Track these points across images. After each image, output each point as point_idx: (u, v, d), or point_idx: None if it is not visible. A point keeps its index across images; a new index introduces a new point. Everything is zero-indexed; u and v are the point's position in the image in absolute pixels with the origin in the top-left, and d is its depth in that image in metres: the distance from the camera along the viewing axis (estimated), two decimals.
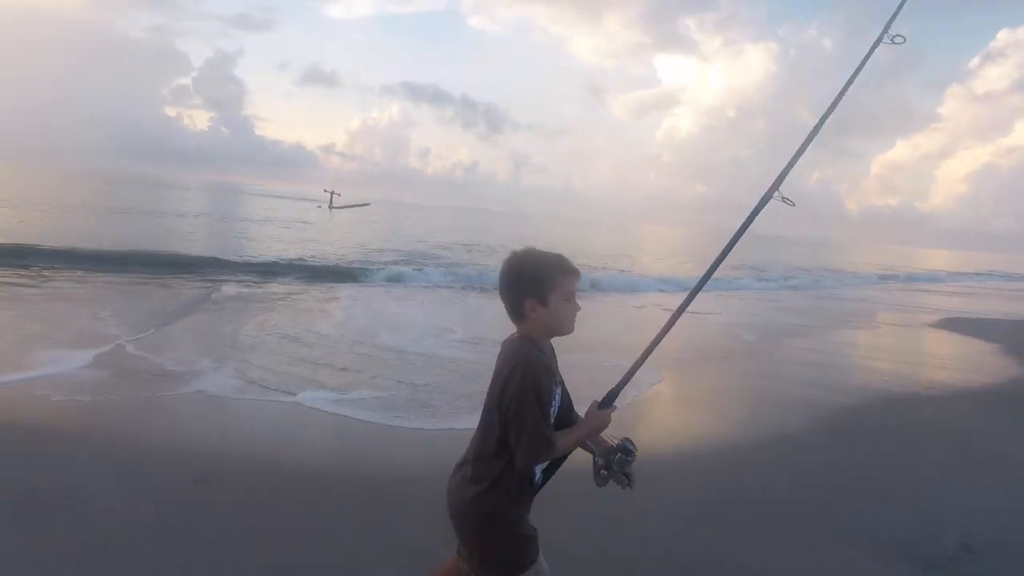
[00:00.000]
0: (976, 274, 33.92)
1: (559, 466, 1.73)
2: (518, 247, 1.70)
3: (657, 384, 5.85)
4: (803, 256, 45.29)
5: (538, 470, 1.71)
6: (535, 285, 1.63)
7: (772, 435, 4.78)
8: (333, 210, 46.29)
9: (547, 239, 40.36)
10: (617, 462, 1.66)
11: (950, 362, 8.92)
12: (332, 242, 20.99)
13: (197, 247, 15.67)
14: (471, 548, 1.71)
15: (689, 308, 1.77)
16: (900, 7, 1.90)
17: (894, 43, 1.85)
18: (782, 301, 15.75)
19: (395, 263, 15.70)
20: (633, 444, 1.69)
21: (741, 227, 1.85)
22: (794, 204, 1.74)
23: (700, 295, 1.82)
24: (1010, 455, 4.73)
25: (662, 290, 15.44)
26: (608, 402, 1.72)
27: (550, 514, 1.90)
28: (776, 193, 1.77)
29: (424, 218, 56.61)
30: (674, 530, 3.14)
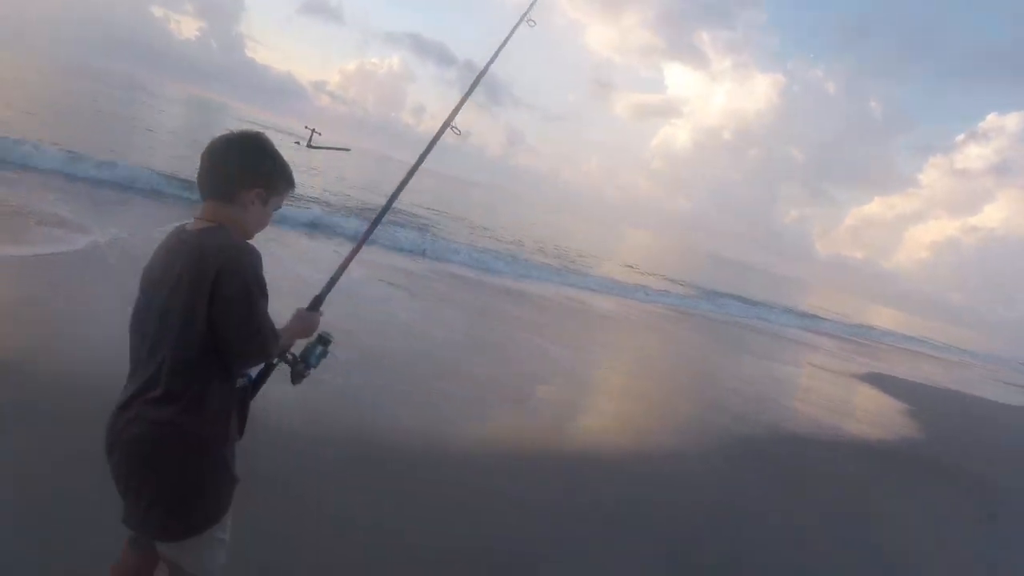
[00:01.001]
0: (915, 338, 35.34)
1: (267, 377, 1.65)
2: (248, 130, 1.52)
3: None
4: (760, 285, 46.60)
5: (252, 374, 1.57)
6: (268, 180, 1.49)
7: (666, 451, 4.99)
8: (311, 148, 45.00)
9: (525, 220, 40.18)
10: (318, 355, 1.68)
11: (857, 412, 9.23)
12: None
13: (155, 163, 14.90)
14: (155, 498, 1.41)
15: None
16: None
17: (529, 25, 2.22)
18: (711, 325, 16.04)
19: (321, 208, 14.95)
20: (330, 335, 1.71)
21: (419, 159, 2.06)
22: (460, 133, 2.02)
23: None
24: (861, 504, 4.95)
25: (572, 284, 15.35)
26: (315, 306, 1.74)
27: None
28: (452, 127, 2.05)
29: (401, 176, 55.76)
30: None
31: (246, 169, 1.46)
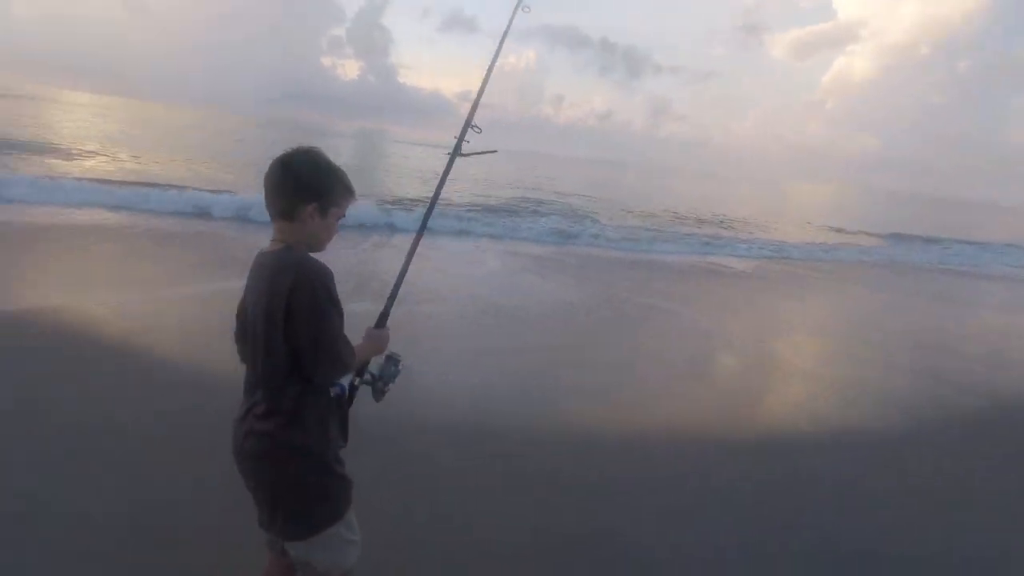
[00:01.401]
0: None
1: (355, 392, 1.72)
2: (300, 147, 1.53)
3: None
4: (983, 223, 38.90)
5: (345, 383, 1.63)
6: (322, 193, 1.52)
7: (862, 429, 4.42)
8: (461, 156, 47.79)
9: (679, 192, 38.50)
10: (393, 372, 1.76)
11: None
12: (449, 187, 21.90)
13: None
14: (276, 502, 1.55)
15: None
16: None
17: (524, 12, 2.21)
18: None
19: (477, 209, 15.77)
20: (398, 354, 1.79)
21: (451, 158, 2.06)
22: (481, 130, 2.08)
23: None
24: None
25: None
26: (382, 323, 1.81)
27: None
28: (474, 126, 2.06)
29: (549, 168, 56.51)
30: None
31: (299, 187, 1.49)
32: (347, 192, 1.58)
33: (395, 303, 1.89)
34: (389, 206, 13.07)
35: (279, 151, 1.52)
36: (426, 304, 6.33)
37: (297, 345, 1.44)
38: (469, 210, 15.69)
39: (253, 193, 10.80)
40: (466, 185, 24.43)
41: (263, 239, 1.61)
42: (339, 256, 8.15)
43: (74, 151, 18.04)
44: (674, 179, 70.45)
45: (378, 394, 1.75)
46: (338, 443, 1.62)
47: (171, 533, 2.46)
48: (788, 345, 6.65)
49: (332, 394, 1.58)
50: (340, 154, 37.36)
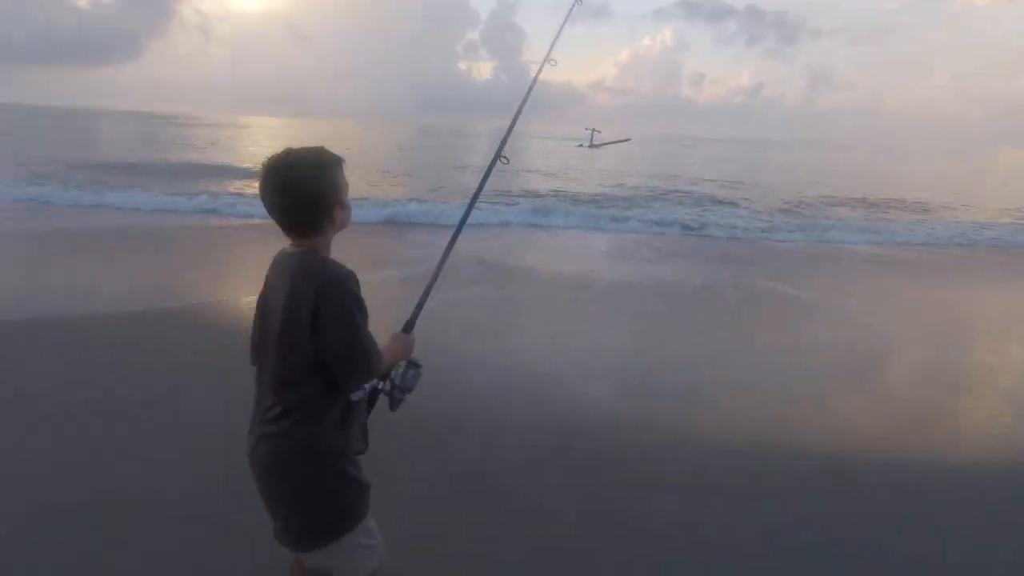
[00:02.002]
0: None
1: (376, 400, 1.68)
2: (281, 152, 1.43)
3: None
4: None
5: (367, 387, 1.57)
6: (336, 187, 1.45)
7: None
8: (593, 148, 47.24)
9: (844, 173, 34.38)
10: (411, 376, 1.68)
11: None
12: (575, 178, 21.75)
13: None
14: (291, 509, 1.49)
15: None
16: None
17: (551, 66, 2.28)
18: None
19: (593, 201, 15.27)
20: (417, 360, 1.73)
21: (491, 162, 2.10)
22: (508, 161, 2.14)
23: None
24: None
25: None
26: (408, 328, 1.76)
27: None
28: (503, 158, 2.14)
29: (688, 152, 53.69)
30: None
31: (321, 204, 1.44)
32: (341, 167, 1.48)
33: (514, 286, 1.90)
34: (504, 205, 13.23)
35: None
36: (525, 292, 6.35)
37: (326, 351, 1.41)
38: (593, 200, 15.45)
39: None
40: (596, 176, 24.16)
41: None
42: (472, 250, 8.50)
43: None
44: (837, 155, 62.97)
45: (395, 403, 1.68)
46: (357, 447, 1.58)
47: None
48: (978, 352, 5.57)
49: (354, 399, 1.53)
50: (476, 153, 38.89)
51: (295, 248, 1.48)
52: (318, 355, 1.41)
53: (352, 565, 1.56)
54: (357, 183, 17.72)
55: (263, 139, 44.06)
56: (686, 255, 9.65)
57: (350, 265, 1.46)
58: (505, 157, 2.15)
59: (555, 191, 17.21)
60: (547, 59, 2.22)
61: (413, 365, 1.71)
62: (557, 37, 2.23)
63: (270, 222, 1.47)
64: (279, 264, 1.50)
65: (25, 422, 3.36)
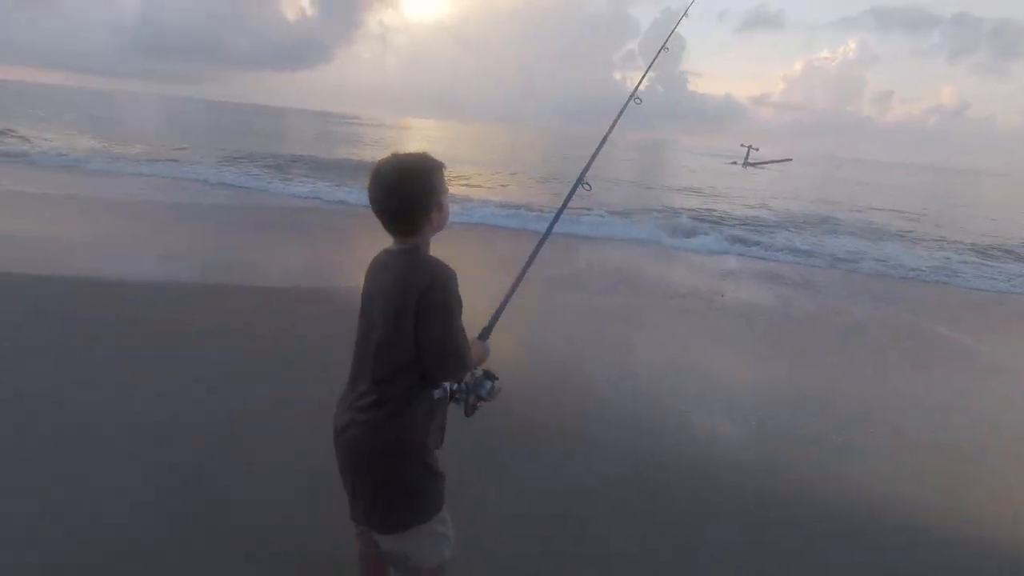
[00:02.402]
0: None
1: (448, 401, 1.69)
2: (388, 157, 1.54)
3: None
4: None
5: (447, 387, 1.63)
6: (435, 191, 1.53)
7: None
8: (747, 167, 44.32)
9: None
10: (488, 388, 1.70)
11: None
12: (719, 197, 20.44)
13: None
14: (376, 495, 1.57)
15: None
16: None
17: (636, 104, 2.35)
18: None
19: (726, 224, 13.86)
20: (494, 373, 1.74)
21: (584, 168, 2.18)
22: (591, 188, 2.17)
23: None
24: None
25: None
26: (484, 336, 1.81)
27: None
28: (585, 184, 2.19)
29: (861, 176, 48.10)
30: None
31: (421, 206, 1.52)
32: (441, 171, 1.56)
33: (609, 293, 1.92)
34: (630, 219, 12.82)
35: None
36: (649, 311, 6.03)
37: (423, 346, 1.48)
38: (734, 221, 14.41)
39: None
40: (745, 196, 22.49)
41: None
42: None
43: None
44: None
45: (469, 409, 1.72)
46: (436, 442, 1.63)
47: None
48: None
49: (436, 396, 1.59)
50: (625, 165, 38.34)
51: (398, 247, 1.57)
52: (417, 350, 1.49)
53: (428, 550, 1.64)
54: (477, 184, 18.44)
55: (418, 139, 47.41)
56: (832, 288, 8.59)
57: (453, 263, 1.55)
58: (587, 184, 2.20)
59: (693, 209, 16.33)
60: (633, 96, 2.28)
61: (489, 376, 1.74)
62: (645, 75, 2.31)
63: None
64: (382, 262, 1.59)
65: (203, 378, 3.80)
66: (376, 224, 1.55)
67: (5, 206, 9.27)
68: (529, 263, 2.00)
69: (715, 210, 16.47)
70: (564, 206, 2.15)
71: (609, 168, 32.19)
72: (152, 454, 2.93)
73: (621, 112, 2.25)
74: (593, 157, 2.21)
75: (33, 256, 6.12)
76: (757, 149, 47.68)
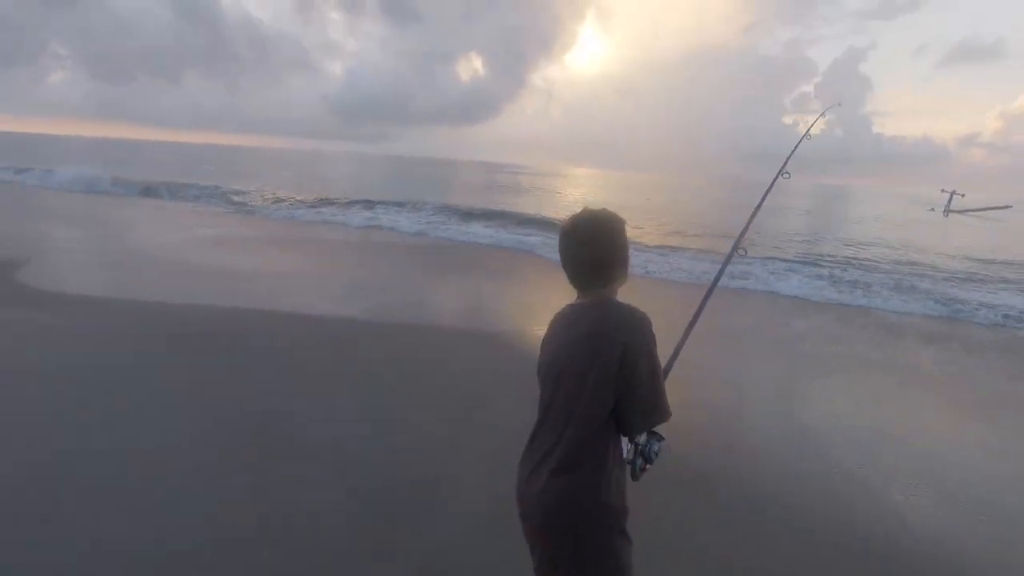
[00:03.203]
0: None
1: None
2: (582, 210, 1.56)
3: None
4: None
5: (630, 446, 1.56)
6: (627, 245, 1.55)
7: None
8: (950, 214, 38.34)
9: None
10: (656, 450, 1.57)
11: None
12: (907, 248, 17.96)
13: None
14: (570, 561, 1.46)
15: None
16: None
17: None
18: None
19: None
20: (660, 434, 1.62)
21: (757, 206, 2.07)
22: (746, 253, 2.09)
23: None
24: None
25: None
26: None
27: None
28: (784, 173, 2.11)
29: None
30: None
31: (618, 259, 1.53)
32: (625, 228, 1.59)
33: None
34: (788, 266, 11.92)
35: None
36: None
37: (627, 396, 1.43)
38: (949, 277, 12.58)
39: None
40: (963, 246, 19.40)
41: None
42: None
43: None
44: None
45: (638, 472, 1.57)
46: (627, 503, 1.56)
47: None
48: None
49: (625, 457, 1.54)
50: (798, 210, 35.28)
51: (588, 299, 1.53)
52: (620, 401, 1.44)
53: None
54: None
55: (576, 188, 48.51)
56: None
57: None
58: (744, 248, 2.13)
59: (860, 260, 14.51)
60: (782, 172, 2.12)
61: (656, 436, 1.60)
62: (795, 149, 2.14)
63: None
64: (570, 317, 1.54)
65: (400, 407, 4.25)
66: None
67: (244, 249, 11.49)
68: (699, 311, 1.90)
69: (902, 261, 14.53)
70: (730, 256, 2.08)
71: (774, 217, 30.20)
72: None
73: (774, 180, 2.13)
74: (751, 218, 2.11)
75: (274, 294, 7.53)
76: (963, 195, 41.02)
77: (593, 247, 1.51)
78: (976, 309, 9.22)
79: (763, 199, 2.01)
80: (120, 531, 2.66)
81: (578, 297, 1.57)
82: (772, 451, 3.96)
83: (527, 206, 24.70)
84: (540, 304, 8.04)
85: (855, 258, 14.97)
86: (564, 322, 1.55)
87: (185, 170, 31.24)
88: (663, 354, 1.56)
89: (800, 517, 3.14)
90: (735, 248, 2.11)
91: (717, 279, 2.05)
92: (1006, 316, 8.96)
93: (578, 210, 1.57)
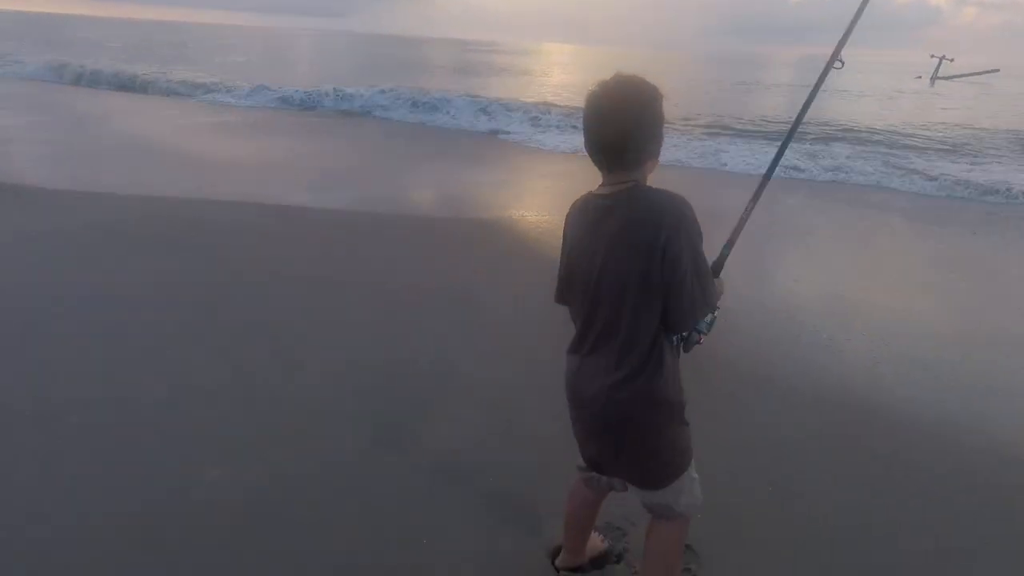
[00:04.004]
0: None
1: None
2: (612, 77, 1.34)
3: None
4: None
5: (681, 334, 1.52)
6: (662, 120, 1.35)
7: None
8: (936, 81, 37.62)
9: None
10: (709, 321, 1.52)
11: None
12: (886, 117, 17.78)
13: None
14: (638, 456, 1.53)
15: None
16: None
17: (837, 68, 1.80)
18: None
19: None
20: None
21: (809, 97, 1.78)
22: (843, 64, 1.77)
23: None
24: None
25: None
26: (717, 272, 1.59)
27: None
28: (838, 62, 1.76)
29: None
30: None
31: (652, 133, 1.35)
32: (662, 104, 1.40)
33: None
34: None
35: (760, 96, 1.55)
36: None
37: (673, 287, 1.33)
38: (906, 145, 12.66)
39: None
40: (949, 115, 19.14)
41: None
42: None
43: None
44: None
45: (689, 345, 1.56)
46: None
47: None
48: None
49: (675, 344, 1.52)
50: (779, 83, 33.95)
51: (615, 186, 1.37)
52: (666, 294, 1.34)
53: (689, 496, 1.62)
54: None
55: (568, 66, 45.35)
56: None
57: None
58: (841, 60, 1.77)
59: (848, 129, 14.24)
60: (834, 61, 1.76)
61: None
62: (849, 31, 1.78)
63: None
64: (598, 209, 1.40)
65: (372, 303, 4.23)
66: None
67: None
68: (757, 196, 1.71)
69: (888, 131, 14.30)
70: (790, 138, 1.82)
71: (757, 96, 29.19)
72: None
73: (822, 78, 1.75)
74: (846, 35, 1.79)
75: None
76: (951, 60, 39.99)
77: (624, 117, 1.31)
78: (931, 179, 9.46)
79: (813, 92, 1.75)
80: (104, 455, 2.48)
81: (604, 182, 1.40)
82: (741, 322, 3.96)
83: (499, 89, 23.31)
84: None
85: (832, 134, 14.69)
86: (592, 216, 1.41)
87: (136, 56, 28.26)
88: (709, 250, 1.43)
89: (771, 381, 3.32)
90: (788, 139, 1.82)
91: (772, 169, 1.78)
92: (955, 183, 9.25)
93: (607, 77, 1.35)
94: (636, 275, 1.34)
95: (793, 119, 1.81)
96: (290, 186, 7.15)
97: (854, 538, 2.25)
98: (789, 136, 1.81)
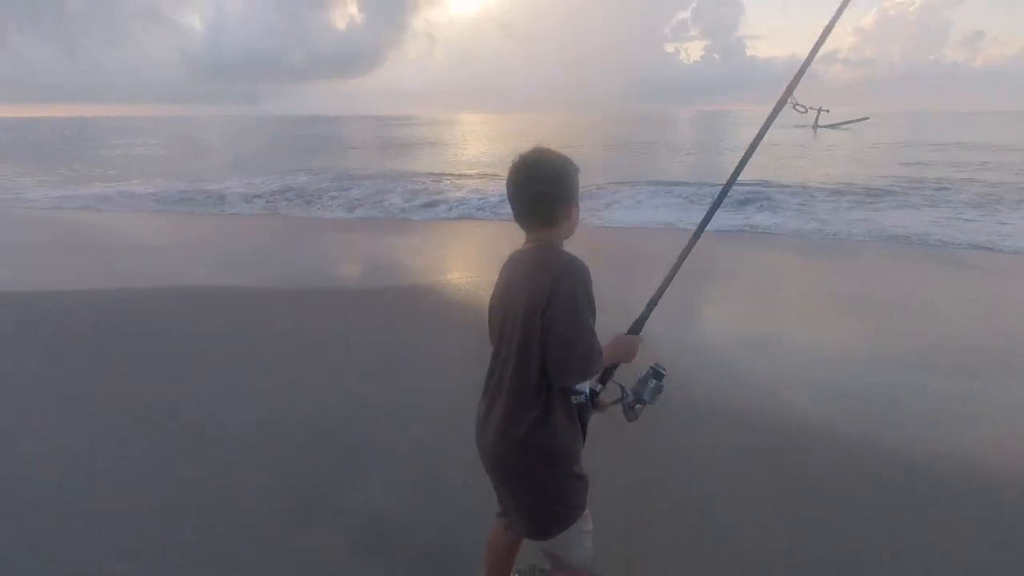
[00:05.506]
0: None
1: (593, 403, 1.61)
2: (531, 149, 1.51)
3: None
4: None
5: (586, 390, 1.58)
6: (573, 187, 1.51)
7: None
8: (818, 130, 41.57)
9: None
10: (652, 389, 1.59)
11: None
12: (772, 167, 19.11)
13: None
14: (520, 503, 1.59)
15: None
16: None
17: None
18: None
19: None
20: (663, 367, 1.61)
21: (756, 137, 1.81)
22: (805, 110, 1.79)
23: None
24: None
25: None
26: (636, 330, 1.67)
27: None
28: (790, 99, 1.77)
29: (951, 132, 43.67)
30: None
31: (561, 196, 1.49)
32: (577, 173, 1.55)
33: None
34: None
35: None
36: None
37: (548, 341, 1.41)
38: (835, 193, 13.13)
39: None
40: (826, 162, 20.80)
41: None
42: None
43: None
44: None
45: (630, 412, 1.63)
46: (579, 444, 1.60)
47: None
48: None
49: (574, 402, 1.55)
50: (679, 137, 36.57)
51: (531, 245, 1.53)
52: (543, 346, 1.42)
53: (579, 549, 1.65)
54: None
55: (481, 135, 47.20)
56: (924, 268, 7.77)
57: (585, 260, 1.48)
58: (801, 105, 1.82)
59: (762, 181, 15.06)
60: (785, 103, 1.79)
61: (656, 374, 1.62)
62: (800, 74, 1.80)
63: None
64: (515, 261, 1.56)
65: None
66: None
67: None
68: (685, 253, 1.75)
69: (812, 182, 14.73)
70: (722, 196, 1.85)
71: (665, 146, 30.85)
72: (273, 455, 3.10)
73: (773, 115, 1.82)
74: (802, 70, 1.84)
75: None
76: (827, 111, 44.51)
77: (537, 182, 1.48)
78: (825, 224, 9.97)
79: (760, 135, 1.80)
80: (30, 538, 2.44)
81: (525, 241, 1.56)
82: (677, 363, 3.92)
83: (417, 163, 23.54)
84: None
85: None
86: (509, 268, 1.57)
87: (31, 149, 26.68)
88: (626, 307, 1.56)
89: (699, 413, 3.56)
90: (728, 186, 1.84)
91: (706, 220, 1.81)
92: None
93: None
94: (524, 325, 1.43)
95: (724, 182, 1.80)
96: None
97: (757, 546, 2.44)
98: (723, 193, 1.82)
